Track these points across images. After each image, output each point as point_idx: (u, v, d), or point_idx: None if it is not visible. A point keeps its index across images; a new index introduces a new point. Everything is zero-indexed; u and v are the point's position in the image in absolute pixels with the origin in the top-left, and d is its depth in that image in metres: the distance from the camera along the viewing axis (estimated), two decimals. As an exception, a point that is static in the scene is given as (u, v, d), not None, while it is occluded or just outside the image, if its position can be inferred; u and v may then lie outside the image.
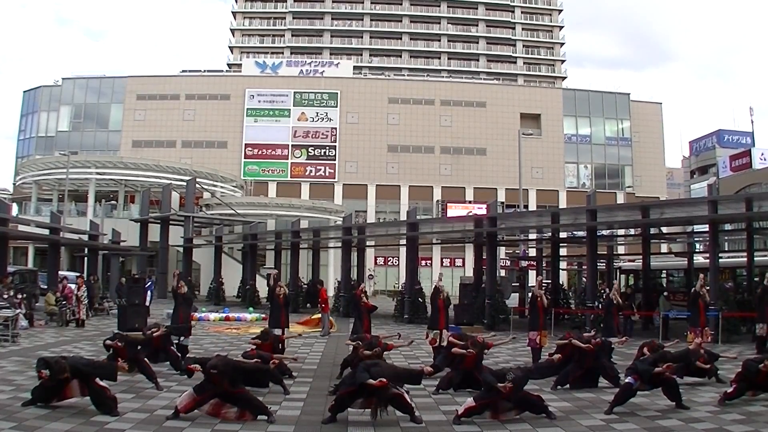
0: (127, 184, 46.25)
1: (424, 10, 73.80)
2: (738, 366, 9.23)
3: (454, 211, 52.46)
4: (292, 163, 57.72)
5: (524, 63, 73.88)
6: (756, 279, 19.21)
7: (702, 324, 13.92)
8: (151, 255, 40.71)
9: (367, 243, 33.22)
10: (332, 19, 73.49)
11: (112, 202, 45.70)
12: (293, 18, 73.10)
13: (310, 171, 57.68)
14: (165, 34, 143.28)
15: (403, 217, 40.91)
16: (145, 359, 9.94)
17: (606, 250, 26.83)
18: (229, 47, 73.29)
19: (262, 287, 30.12)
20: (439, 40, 73.65)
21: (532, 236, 29.59)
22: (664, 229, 29.24)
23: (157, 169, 44.75)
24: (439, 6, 73.64)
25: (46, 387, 8.00)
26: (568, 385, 9.89)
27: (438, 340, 12.33)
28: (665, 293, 22.52)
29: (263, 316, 20.95)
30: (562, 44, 75.08)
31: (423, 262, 45.12)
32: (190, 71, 63.85)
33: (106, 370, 8.49)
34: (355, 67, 65.90)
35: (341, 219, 37.78)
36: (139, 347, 10.05)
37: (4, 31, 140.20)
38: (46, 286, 23.74)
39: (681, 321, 18.62)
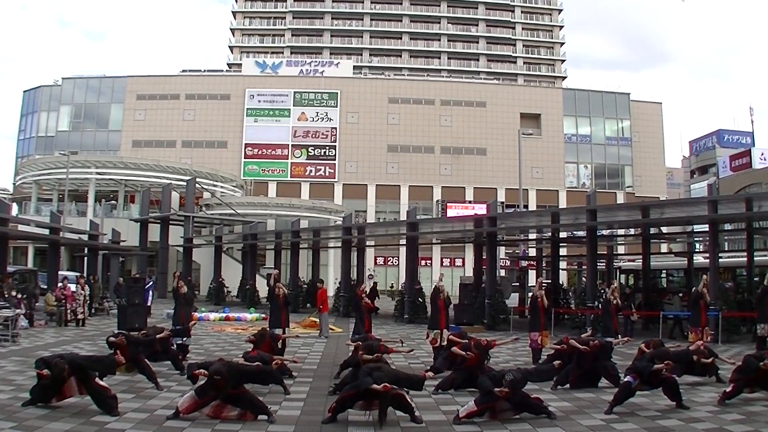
0: (127, 184, 46.24)
1: (424, 9, 73.82)
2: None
3: (454, 211, 52.49)
4: (292, 163, 57.73)
5: (524, 63, 73.88)
6: (756, 279, 19.21)
7: (702, 324, 13.93)
8: (151, 255, 40.72)
9: (367, 243, 33.21)
10: (332, 18, 73.49)
11: (112, 202, 45.69)
12: (293, 18, 73.10)
13: (310, 171, 57.69)
14: (165, 35, 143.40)
15: (403, 217, 40.90)
16: (146, 359, 9.93)
17: (606, 250, 26.82)
18: (229, 47, 73.31)
19: (262, 287, 30.17)
20: (439, 40, 73.65)
21: (532, 236, 29.57)
22: (664, 229, 29.22)
23: (157, 169, 44.77)
24: (439, 6, 73.65)
25: (44, 386, 8.00)
26: (568, 385, 9.89)
27: (438, 340, 12.34)
28: (680, 294, 22.32)
29: (263, 316, 20.94)
30: (562, 44, 75.09)
31: (423, 262, 45.14)
32: (190, 71, 63.86)
33: (104, 363, 8.51)
34: (355, 67, 65.91)
35: (341, 219, 37.75)
36: (140, 348, 10.04)
37: (4, 32, 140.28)
38: (45, 286, 23.73)
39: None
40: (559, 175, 59.47)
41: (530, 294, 16.91)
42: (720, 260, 20.10)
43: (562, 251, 31.01)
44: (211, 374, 7.54)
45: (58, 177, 44.02)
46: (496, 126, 57.97)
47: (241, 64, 66.86)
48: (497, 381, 7.78)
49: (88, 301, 20.38)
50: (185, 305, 12.52)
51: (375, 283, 32.43)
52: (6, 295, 17.30)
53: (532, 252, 32.27)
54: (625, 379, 8.50)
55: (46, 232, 26.75)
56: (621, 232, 30.40)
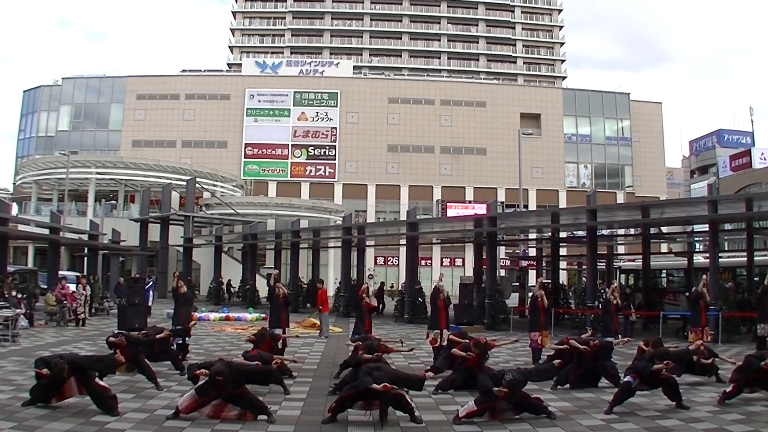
0: (127, 183, 46.26)
1: (424, 9, 73.81)
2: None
3: (454, 210, 52.48)
4: (292, 162, 57.73)
5: (524, 63, 73.89)
6: (756, 279, 19.21)
7: (702, 324, 13.93)
8: (151, 255, 40.72)
9: (367, 243, 33.20)
10: (332, 18, 73.49)
11: (112, 201, 45.70)
12: (293, 18, 73.11)
13: (310, 171, 57.69)
14: (165, 35, 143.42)
15: (403, 216, 40.88)
16: (146, 359, 9.93)
17: (606, 249, 26.81)
18: (229, 47, 73.31)
19: (262, 287, 30.19)
20: (439, 40, 73.65)
21: (532, 236, 29.58)
22: (664, 229, 29.21)
23: (157, 168, 44.78)
24: (439, 6, 73.64)
25: (44, 386, 8.00)
26: (568, 385, 9.89)
27: (438, 340, 12.33)
28: (687, 294, 22.28)
29: (263, 316, 20.95)
30: (562, 44, 75.09)
31: (423, 262, 45.16)
32: (190, 71, 63.86)
33: (104, 363, 8.51)
34: (355, 67, 65.90)
35: (341, 219, 37.75)
36: (140, 348, 10.04)
37: (4, 32, 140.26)
38: (46, 286, 23.73)
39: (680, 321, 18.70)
40: (559, 175, 59.46)
41: (530, 294, 16.91)
42: (720, 260, 20.10)
43: (562, 251, 31.01)
44: (212, 375, 7.54)
45: (58, 177, 44.03)
46: (496, 126, 57.98)
47: (241, 64, 66.85)
48: (497, 380, 7.78)
49: (89, 301, 20.42)
50: (185, 305, 12.51)
51: (382, 283, 32.41)
52: (6, 295, 17.30)
53: (532, 252, 32.27)
54: (625, 379, 8.50)
55: (46, 232, 26.75)
56: (621, 232, 30.40)
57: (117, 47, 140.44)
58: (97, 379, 8.12)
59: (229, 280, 35.12)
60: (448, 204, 54.83)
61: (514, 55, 73.80)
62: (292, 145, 57.97)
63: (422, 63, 72.78)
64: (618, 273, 26.31)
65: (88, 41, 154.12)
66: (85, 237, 30.73)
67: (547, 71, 74.05)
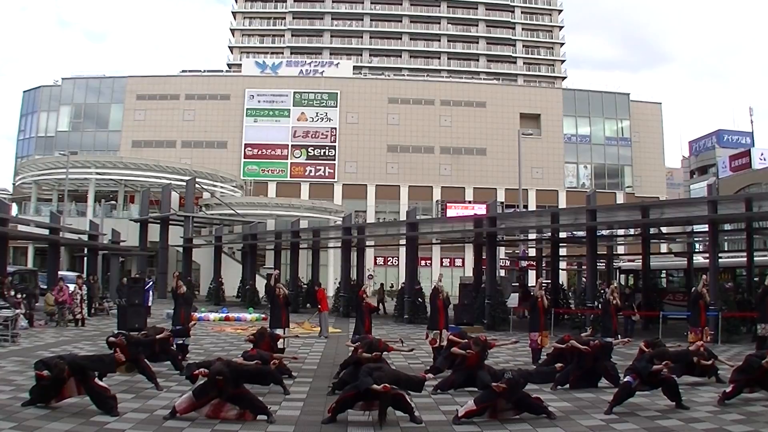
0: (127, 184, 46.25)
1: (424, 10, 73.80)
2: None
3: (454, 211, 52.46)
4: (291, 163, 57.70)
5: (524, 63, 73.87)
6: (756, 279, 19.22)
7: (702, 324, 13.92)
8: (151, 255, 40.71)
9: (367, 243, 33.20)
10: (332, 19, 73.47)
11: (112, 202, 45.68)
12: (293, 18, 73.08)
13: (310, 171, 57.67)
14: (165, 35, 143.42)
15: (403, 217, 40.86)
16: (145, 360, 9.93)
17: (606, 250, 26.82)
18: (229, 47, 73.29)
19: (262, 287, 30.11)
20: (439, 40, 73.64)
21: (532, 236, 29.58)
22: (664, 229, 29.22)
23: (157, 169, 44.75)
24: (439, 6, 73.63)
25: (43, 387, 8.00)
26: (568, 385, 9.89)
27: (438, 341, 12.33)
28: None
29: (263, 316, 20.96)
30: (561, 44, 75.08)
31: (423, 262, 45.11)
32: (190, 71, 63.81)
33: (104, 362, 8.52)
34: (355, 67, 65.88)
35: (341, 219, 37.75)
36: (140, 348, 10.04)
37: (4, 32, 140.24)
38: (45, 286, 23.73)
39: (681, 321, 18.68)
40: (559, 175, 59.46)
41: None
42: (720, 260, 20.11)
43: (562, 251, 31.01)
44: (212, 375, 7.53)
45: (57, 177, 44.00)
46: (496, 126, 57.95)
47: (241, 65, 66.81)
48: (497, 379, 7.78)
49: (86, 301, 20.38)
50: (185, 305, 12.52)
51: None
52: (6, 296, 17.30)
53: (532, 252, 32.27)
54: (625, 379, 8.50)
55: (46, 232, 26.77)
56: (621, 232, 30.39)
57: (117, 47, 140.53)
58: (96, 380, 8.12)
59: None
60: (447, 204, 54.78)
61: (514, 55, 73.79)
62: (291, 145, 57.94)
63: (422, 63, 72.76)
64: (618, 273, 26.34)
65: (88, 41, 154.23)
66: (84, 237, 30.74)
67: (547, 71, 74.03)
